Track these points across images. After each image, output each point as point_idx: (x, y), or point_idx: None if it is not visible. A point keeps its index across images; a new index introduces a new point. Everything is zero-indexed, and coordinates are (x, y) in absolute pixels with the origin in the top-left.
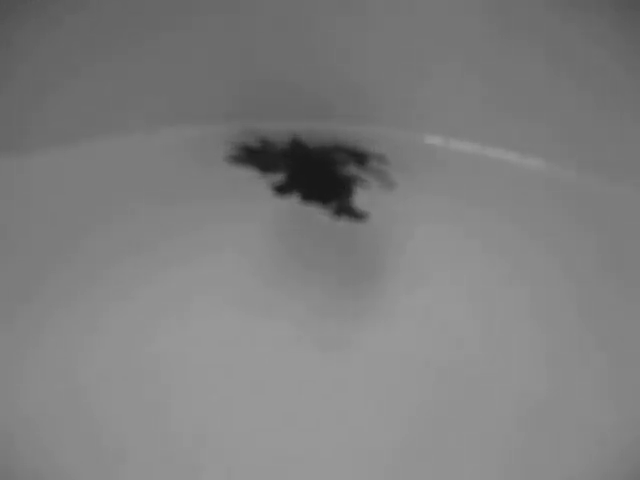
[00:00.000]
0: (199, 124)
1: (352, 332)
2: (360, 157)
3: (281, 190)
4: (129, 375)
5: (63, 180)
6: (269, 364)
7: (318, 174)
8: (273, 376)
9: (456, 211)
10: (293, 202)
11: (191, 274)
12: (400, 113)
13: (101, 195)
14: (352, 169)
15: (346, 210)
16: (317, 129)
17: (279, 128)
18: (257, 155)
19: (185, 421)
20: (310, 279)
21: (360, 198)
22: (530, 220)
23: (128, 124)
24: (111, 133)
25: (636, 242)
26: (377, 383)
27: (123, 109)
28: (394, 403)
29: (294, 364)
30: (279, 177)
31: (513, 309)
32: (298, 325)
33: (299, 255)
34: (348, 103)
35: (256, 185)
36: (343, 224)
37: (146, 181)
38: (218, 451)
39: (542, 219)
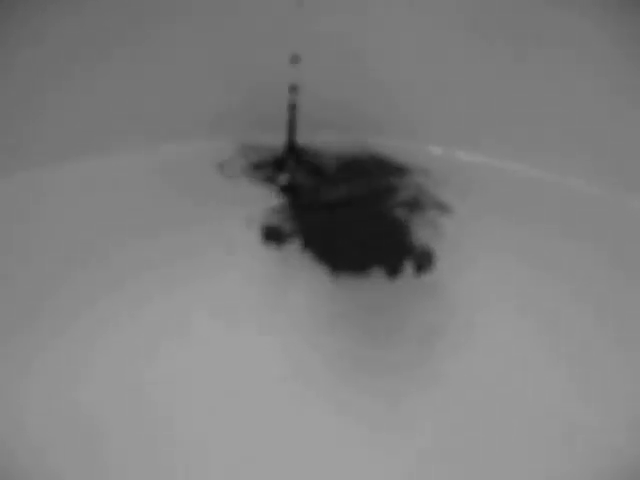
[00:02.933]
0: (201, 140)
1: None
2: (400, 170)
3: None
4: (130, 396)
5: (59, 200)
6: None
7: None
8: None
9: (512, 236)
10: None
11: (192, 297)
12: (435, 128)
13: (95, 216)
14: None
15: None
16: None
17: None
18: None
19: (186, 445)
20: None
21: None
22: (584, 240)
23: (118, 143)
24: (102, 152)
25: None
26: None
27: (115, 127)
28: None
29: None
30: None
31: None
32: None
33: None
34: (381, 116)
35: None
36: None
37: (141, 202)
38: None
39: (594, 239)
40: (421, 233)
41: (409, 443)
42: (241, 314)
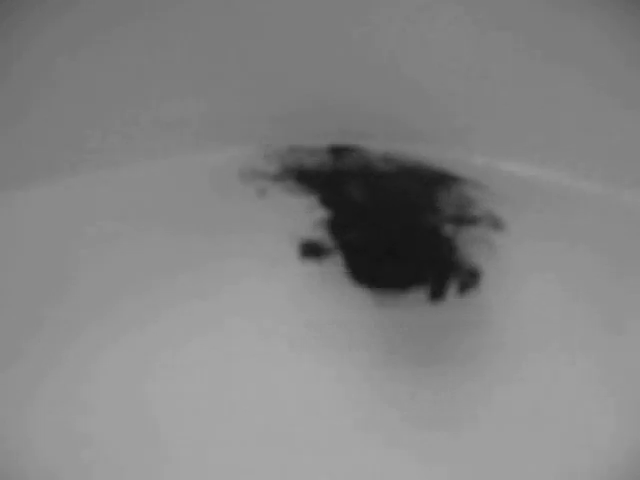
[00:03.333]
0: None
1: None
2: (449, 180)
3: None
4: (133, 411)
5: (66, 213)
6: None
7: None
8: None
9: (562, 256)
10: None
11: (207, 308)
12: (478, 137)
13: (124, 223)
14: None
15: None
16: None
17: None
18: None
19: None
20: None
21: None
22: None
23: (140, 151)
24: (126, 160)
25: None
26: None
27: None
28: None
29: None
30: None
31: None
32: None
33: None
34: (424, 124)
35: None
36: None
37: (160, 211)
38: None
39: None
40: (469, 249)
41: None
42: (274, 329)
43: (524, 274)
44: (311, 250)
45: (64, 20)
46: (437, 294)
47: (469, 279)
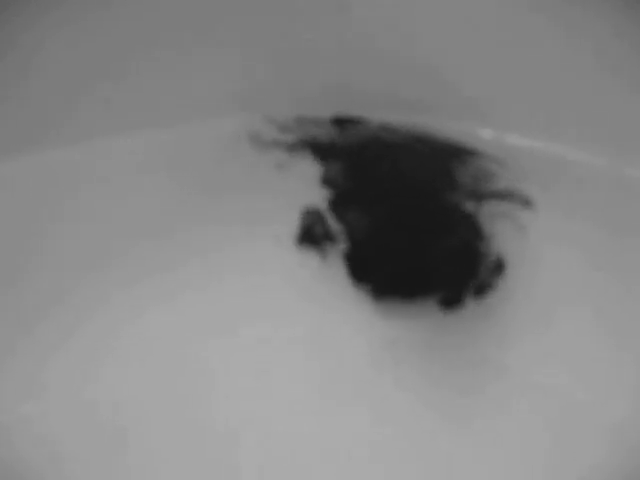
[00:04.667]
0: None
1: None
2: (466, 154)
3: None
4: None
5: (65, 180)
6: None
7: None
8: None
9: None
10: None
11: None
12: (487, 110)
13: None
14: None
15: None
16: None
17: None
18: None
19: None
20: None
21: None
22: None
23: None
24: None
25: None
26: None
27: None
28: None
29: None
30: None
31: None
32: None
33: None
34: (430, 96)
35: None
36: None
37: (162, 177)
38: None
39: None
40: (493, 230)
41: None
42: (265, 330)
43: (553, 257)
44: (310, 238)
45: None
46: (454, 300)
47: (493, 275)
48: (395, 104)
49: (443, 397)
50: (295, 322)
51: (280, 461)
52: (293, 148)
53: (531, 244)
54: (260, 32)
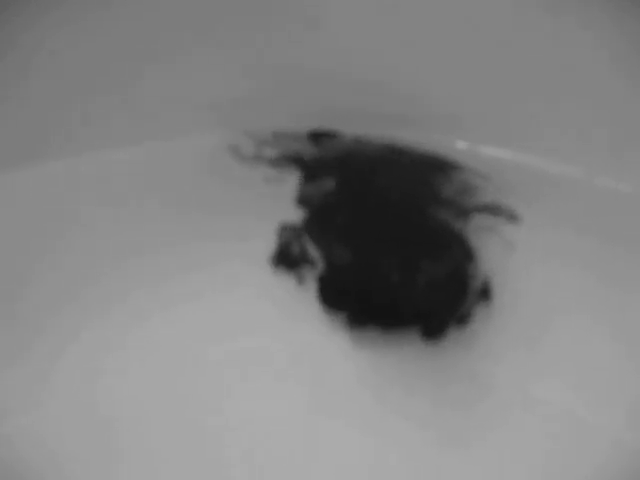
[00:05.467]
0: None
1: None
2: (447, 167)
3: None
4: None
5: (49, 197)
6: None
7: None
8: None
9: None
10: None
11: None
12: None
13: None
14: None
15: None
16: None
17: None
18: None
19: None
20: None
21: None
22: None
23: (119, 137)
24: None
25: None
26: None
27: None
28: None
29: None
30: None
31: None
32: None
33: None
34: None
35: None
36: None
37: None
38: None
39: None
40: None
41: None
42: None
43: (541, 270)
44: (287, 258)
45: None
46: (437, 331)
47: (479, 301)
48: (370, 118)
49: (433, 414)
50: (273, 339)
51: (268, 464)
52: (276, 163)
53: (518, 258)
54: (238, 48)
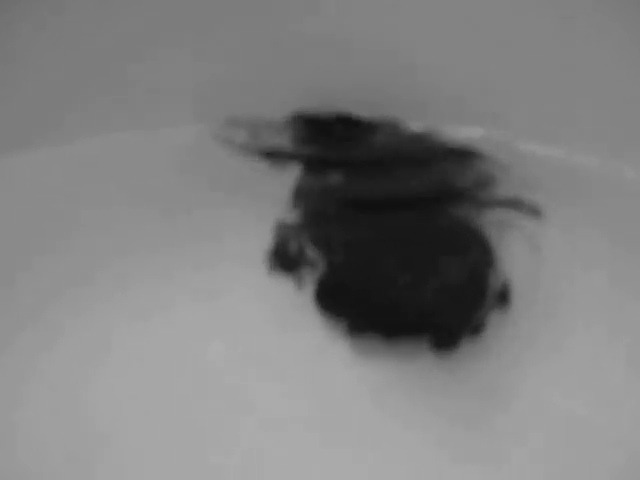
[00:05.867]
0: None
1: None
2: (464, 156)
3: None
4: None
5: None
6: None
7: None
8: None
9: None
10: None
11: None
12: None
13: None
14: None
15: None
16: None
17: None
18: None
19: None
20: None
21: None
22: None
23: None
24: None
25: None
26: None
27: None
28: None
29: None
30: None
31: None
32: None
33: None
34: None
35: None
36: None
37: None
38: None
39: None
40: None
41: None
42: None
43: (564, 272)
44: (285, 259)
45: None
46: (449, 342)
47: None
48: (373, 102)
49: (446, 431)
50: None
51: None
52: (271, 154)
53: (540, 259)
54: (224, 31)
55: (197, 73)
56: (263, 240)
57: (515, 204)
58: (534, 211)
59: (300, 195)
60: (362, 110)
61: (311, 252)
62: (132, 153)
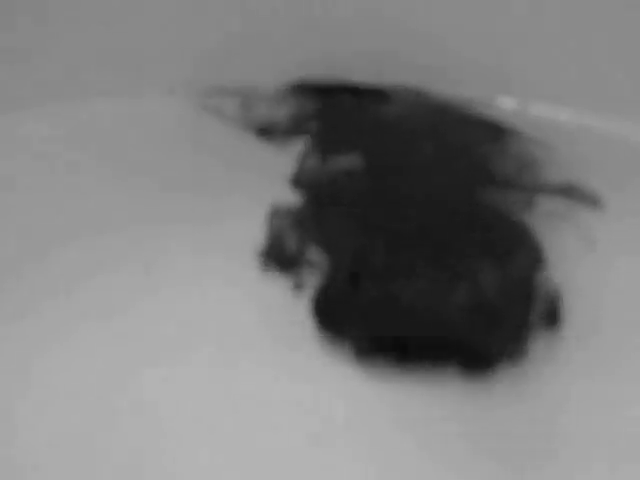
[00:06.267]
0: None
1: None
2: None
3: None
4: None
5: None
6: None
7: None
8: None
9: None
10: None
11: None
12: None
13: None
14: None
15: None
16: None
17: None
18: None
19: None
20: None
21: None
22: None
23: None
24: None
25: None
26: None
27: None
28: None
29: None
30: None
31: None
32: None
33: None
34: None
35: None
36: None
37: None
38: None
39: None
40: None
41: None
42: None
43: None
44: (276, 258)
45: None
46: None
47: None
48: (393, 70)
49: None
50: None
51: None
52: (273, 129)
53: (598, 259)
54: None
55: (186, 37)
56: (257, 231)
57: (567, 192)
58: (590, 200)
59: (302, 179)
60: (373, 78)
61: (312, 251)
62: (112, 122)
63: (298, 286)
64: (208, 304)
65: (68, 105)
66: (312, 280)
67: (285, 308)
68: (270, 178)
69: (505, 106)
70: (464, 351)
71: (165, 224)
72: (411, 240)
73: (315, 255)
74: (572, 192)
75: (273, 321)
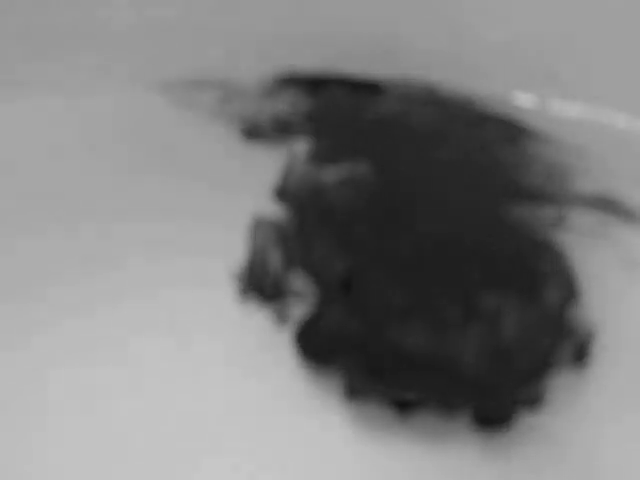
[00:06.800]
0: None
1: None
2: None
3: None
4: None
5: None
6: None
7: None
8: None
9: None
10: None
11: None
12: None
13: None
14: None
15: None
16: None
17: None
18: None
19: None
20: None
21: None
22: None
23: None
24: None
25: None
26: None
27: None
28: None
29: None
30: None
31: None
32: None
33: None
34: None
35: None
36: None
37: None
38: None
39: None
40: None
41: None
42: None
43: None
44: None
45: None
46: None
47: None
48: (396, 60)
49: None
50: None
51: None
52: (255, 130)
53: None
54: None
55: (154, 21)
56: (234, 252)
57: (601, 204)
58: (629, 213)
59: (288, 190)
60: (371, 69)
61: (298, 277)
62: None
63: (281, 316)
64: (179, 331)
65: (21, 103)
66: (297, 309)
67: (266, 342)
68: (253, 186)
69: (523, 103)
70: (476, 399)
71: (124, 248)
72: (418, 268)
73: (301, 282)
74: (607, 204)
75: (251, 353)
